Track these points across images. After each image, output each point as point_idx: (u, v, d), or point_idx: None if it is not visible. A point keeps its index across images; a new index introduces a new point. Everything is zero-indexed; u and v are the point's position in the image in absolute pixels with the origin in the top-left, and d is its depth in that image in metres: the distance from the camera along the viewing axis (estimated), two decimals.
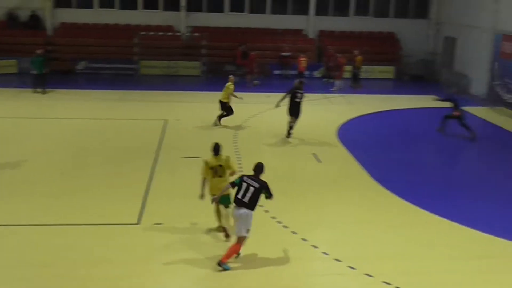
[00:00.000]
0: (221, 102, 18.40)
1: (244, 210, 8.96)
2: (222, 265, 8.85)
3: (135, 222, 10.59)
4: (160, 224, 10.49)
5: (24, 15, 30.57)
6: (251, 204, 8.99)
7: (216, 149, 10.02)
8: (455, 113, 17.75)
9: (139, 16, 31.16)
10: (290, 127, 17.05)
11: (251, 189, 9.03)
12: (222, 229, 10.09)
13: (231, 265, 8.91)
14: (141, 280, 8.57)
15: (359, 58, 26.95)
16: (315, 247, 9.76)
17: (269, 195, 9.26)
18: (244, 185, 9.09)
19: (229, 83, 18.45)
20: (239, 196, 9.03)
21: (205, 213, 11.06)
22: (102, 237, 9.96)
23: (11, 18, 30.42)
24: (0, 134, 16.68)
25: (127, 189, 12.38)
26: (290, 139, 16.89)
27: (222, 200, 9.85)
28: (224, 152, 10.20)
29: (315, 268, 9.22)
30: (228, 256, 8.95)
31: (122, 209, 11.22)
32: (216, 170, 9.89)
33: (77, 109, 20.09)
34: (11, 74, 27.70)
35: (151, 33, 29.93)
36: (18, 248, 9.42)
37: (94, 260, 9.07)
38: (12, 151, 15.01)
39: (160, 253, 9.40)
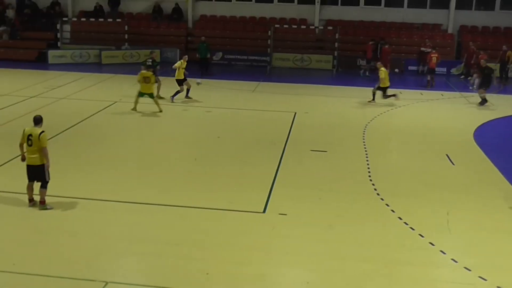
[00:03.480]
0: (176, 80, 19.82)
1: None
2: None
3: (261, 210, 10.78)
4: (284, 214, 10.59)
5: (168, 8, 32.30)
6: None
7: (35, 120, 10.50)
8: None
9: (275, 9, 31.64)
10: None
11: None
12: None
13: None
14: (261, 267, 8.71)
15: (510, 53, 25.25)
16: (443, 252, 9.31)
17: None
18: None
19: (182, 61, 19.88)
20: None
21: (330, 206, 11.05)
22: (228, 222, 10.26)
23: (156, 11, 32.30)
24: (142, 118, 17.78)
25: (255, 178, 12.64)
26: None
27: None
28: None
29: (442, 275, 8.78)
30: None
31: (249, 197, 11.47)
32: (28, 138, 10.33)
33: (213, 99, 20.86)
34: None
35: (285, 26, 30.29)
36: (150, 226, 9.95)
37: (218, 243, 9.37)
38: (150, 135, 15.98)
39: (282, 243, 9.49)
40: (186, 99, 20.22)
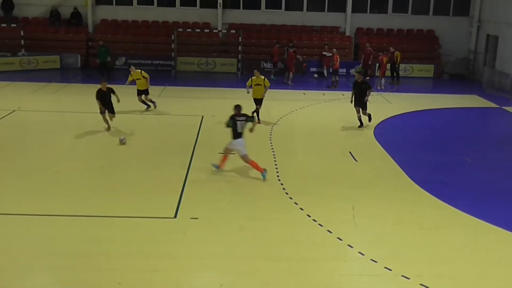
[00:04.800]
0: None
1: (242, 139, 12.78)
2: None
3: (172, 216, 10.70)
4: (196, 218, 10.57)
5: (66, 12, 31.21)
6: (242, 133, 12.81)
7: None
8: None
9: (177, 13, 31.50)
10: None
11: (243, 123, 12.67)
12: None
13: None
14: (174, 273, 8.67)
15: (397, 53, 26.67)
16: (350, 246, 9.69)
17: (251, 119, 13.04)
18: (238, 123, 12.64)
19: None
20: (239, 131, 12.70)
21: (240, 208, 11.16)
22: (139, 230, 10.11)
23: (54, 15, 31.09)
24: (43, 127, 17.07)
25: (166, 183, 12.52)
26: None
27: None
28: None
29: (350, 268, 9.15)
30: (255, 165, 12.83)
31: (160, 203, 11.35)
32: None
33: (117, 104, 20.34)
34: (54, 69, 28.44)
35: (188, 30, 30.22)
36: (57, 238, 9.62)
37: (129, 252, 9.22)
38: (53, 144, 15.36)
39: (194, 248, 9.48)
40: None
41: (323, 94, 23.98)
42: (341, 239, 9.94)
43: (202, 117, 18.87)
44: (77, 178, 12.72)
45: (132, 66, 19.83)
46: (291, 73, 26.32)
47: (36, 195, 11.60)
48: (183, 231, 10.09)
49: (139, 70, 19.50)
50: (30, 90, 22.87)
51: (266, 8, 31.67)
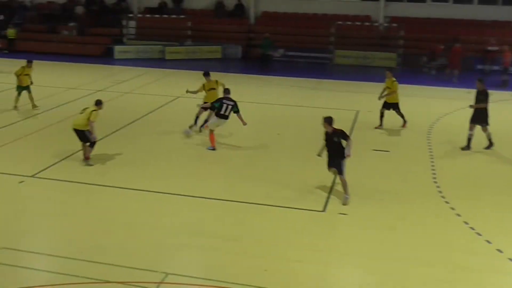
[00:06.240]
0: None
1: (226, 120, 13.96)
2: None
3: (321, 209, 10.64)
4: (344, 214, 10.40)
5: (230, 4, 32.50)
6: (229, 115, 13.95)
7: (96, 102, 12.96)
8: None
9: (337, 6, 31.25)
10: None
11: (230, 106, 13.82)
12: None
13: None
14: (319, 267, 8.63)
15: None
16: (511, 260, 8.90)
17: (237, 110, 13.95)
18: (224, 105, 13.75)
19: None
20: (223, 112, 13.79)
21: (392, 208, 10.76)
22: (288, 220, 10.18)
23: (219, 7, 32.54)
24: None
25: (316, 176, 12.43)
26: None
27: None
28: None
29: (510, 283, 8.37)
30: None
31: (309, 195, 11.36)
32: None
33: (274, 95, 20.74)
34: (216, 59, 29.75)
35: (348, 22, 29.85)
36: (208, 220, 10.06)
37: (276, 241, 9.33)
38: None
39: (341, 243, 9.35)
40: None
41: (491, 94, 22.25)
42: (501, 251, 9.15)
43: (357, 111, 18.52)
44: (232, 165, 13.17)
45: (209, 75, 16.05)
46: (455, 70, 24.85)
47: (193, 178, 12.23)
48: (331, 225, 9.98)
49: (215, 79, 16.08)
50: (194, 78, 24.13)
51: (432, 0, 30.23)
